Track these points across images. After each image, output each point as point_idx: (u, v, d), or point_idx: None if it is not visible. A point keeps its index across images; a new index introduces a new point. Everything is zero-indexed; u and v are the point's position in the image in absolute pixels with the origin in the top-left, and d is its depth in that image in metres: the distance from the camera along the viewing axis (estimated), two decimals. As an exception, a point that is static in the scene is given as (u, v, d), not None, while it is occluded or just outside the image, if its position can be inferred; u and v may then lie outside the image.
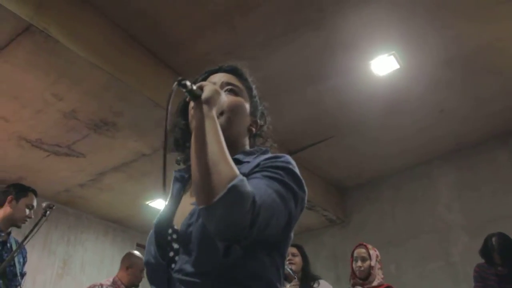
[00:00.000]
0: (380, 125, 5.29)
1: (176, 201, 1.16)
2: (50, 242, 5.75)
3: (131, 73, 3.89)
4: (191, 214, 1.02)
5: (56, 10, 3.36)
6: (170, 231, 1.08)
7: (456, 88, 4.80)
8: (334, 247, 6.68)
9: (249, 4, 3.73)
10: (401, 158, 6.05)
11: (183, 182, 1.21)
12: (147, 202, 5.97)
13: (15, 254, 3.00)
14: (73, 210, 6.16)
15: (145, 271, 3.91)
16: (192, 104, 1.11)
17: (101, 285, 3.73)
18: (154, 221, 1.14)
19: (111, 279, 3.94)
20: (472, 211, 5.56)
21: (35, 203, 3.18)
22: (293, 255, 3.67)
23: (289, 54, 4.24)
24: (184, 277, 0.98)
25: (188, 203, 1.08)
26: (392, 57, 4.38)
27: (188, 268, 0.98)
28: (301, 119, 5.18)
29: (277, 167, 1.04)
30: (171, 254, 1.05)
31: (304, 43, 4.13)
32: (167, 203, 1.10)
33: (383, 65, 4.47)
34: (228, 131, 1.10)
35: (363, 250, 3.37)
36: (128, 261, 4.06)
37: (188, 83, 0.99)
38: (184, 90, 0.99)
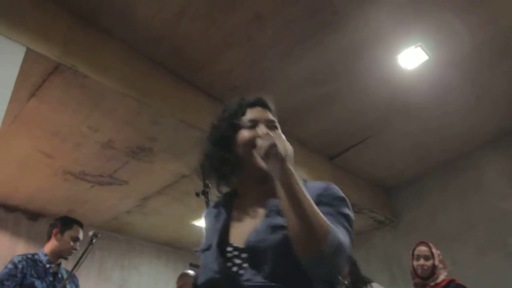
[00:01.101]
0: (416, 118, 5.18)
1: (224, 224, 1.29)
2: (105, 269, 5.93)
3: (159, 97, 3.99)
4: (257, 232, 1.18)
5: (81, 46, 3.53)
6: (230, 249, 1.22)
7: (490, 72, 4.64)
8: (386, 249, 6.53)
9: (264, 16, 3.77)
10: (443, 151, 5.89)
11: (227, 207, 1.35)
12: (193, 222, 6.05)
13: (67, 282, 3.12)
14: (123, 237, 6.34)
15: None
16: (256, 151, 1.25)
17: None
18: (208, 242, 1.29)
19: (167, 300, 4.03)
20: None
21: (80, 235, 3.26)
22: None
23: (312, 59, 4.25)
24: (255, 284, 1.12)
25: (243, 224, 1.27)
26: (419, 48, 4.29)
27: (258, 279, 1.12)
28: (337, 123, 5.15)
29: (339, 198, 1.25)
30: (235, 269, 1.18)
31: (326, 47, 4.13)
32: (218, 226, 1.29)
33: (411, 58, 4.38)
34: None
35: (426, 248, 3.28)
36: (181, 280, 4.16)
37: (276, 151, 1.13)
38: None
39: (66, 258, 3.24)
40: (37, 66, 3.33)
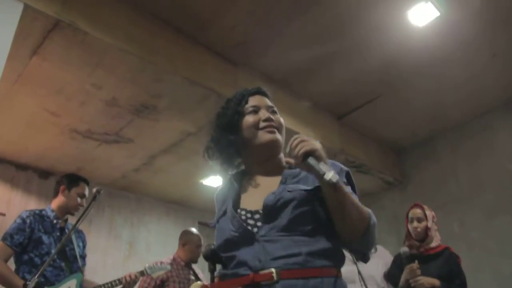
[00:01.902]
0: (428, 77, 5.03)
1: (236, 194, 1.49)
2: (115, 227, 6.06)
3: (162, 54, 3.94)
4: (275, 194, 1.36)
5: (81, 2, 3.47)
6: (243, 212, 1.40)
7: (507, 28, 4.43)
8: (395, 210, 6.51)
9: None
10: (456, 111, 5.74)
11: (238, 182, 1.54)
12: (201, 181, 6.09)
13: (72, 237, 3.19)
14: (133, 195, 6.43)
15: (201, 248, 4.05)
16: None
17: (162, 262, 3.89)
18: (223, 208, 1.48)
19: (171, 257, 4.11)
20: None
21: (86, 192, 3.33)
22: None
23: (320, 15, 4.11)
24: (269, 238, 1.29)
25: (254, 194, 1.45)
26: (429, 3, 4.12)
27: (273, 233, 1.30)
28: (345, 81, 5.04)
29: (346, 173, 1.47)
30: (249, 227, 1.35)
31: (333, 2, 3.99)
32: (229, 196, 1.49)
33: (422, 14, 4.21)
34: (282, 145, 1.52)
35: (419, 211, 3.27)
36: (184, 238, 4.21)
37: (312, 162, 1.26)
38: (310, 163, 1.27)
39: (72, 214, 3.31)
40: (36, 23, 3.30)
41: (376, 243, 3.58)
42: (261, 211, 1.36)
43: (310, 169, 1.26)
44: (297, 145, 1.29)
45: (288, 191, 1.35)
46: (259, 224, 1.34)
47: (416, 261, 3.05)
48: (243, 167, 1.60)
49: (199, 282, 4.01)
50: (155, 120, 4.66)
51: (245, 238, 1.33)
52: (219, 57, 4.43)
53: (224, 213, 1.45)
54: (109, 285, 3.26)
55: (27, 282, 2.64)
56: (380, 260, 3.51)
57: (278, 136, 1.50)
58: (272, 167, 1.51)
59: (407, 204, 6.16)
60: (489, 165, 5.66)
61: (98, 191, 3.02)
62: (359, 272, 2.99)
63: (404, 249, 3.11)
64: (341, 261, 1.38)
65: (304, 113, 5.13)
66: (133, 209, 6.37)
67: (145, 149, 5.25)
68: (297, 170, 1.45)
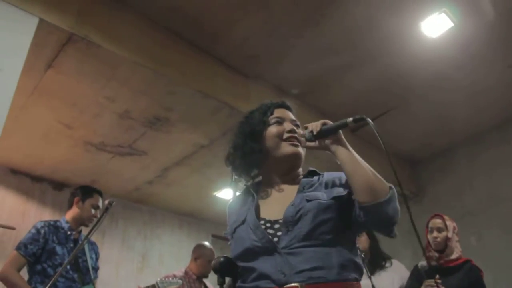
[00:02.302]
0: (442, 89, 4.98)
1: (256, 203, 1.48)
2: (128, 239, 6.07)
3: (175, 67, 3.97)
4: (295, 205, 1.38)
5: (94, 16, 3.53)
6: (262, 222, 1.40)
7: (524, 39, 4.39)
8: (410, 223, 6.42)
9: (281, -19, 3.67)
10: (472, 123, 5.68)
11: (254, 193, 1.52)
12: (214, 193, 6.09)
13: (85, 249, 3.21)
14: (146, 207, 6.45)
15: (213, 262, 4.04)
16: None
17: (174, 275, 3.88)
18: (240, 218, 1.47)
19: (183, 270, 4.10)
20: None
21: (100, 203, 3.35)
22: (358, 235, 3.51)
23: (332, 27, 4.12)
24: (291, 250, 1.29)
25: (271, 204, 1.46)
26: (443, 14, 4.09)
27: (295, 243, 1.30)
28: (358, 93, 5.02)
29: None
30: (269, 237, 1.34)
31: (345, 13, 3.99)
32: (248, 206, 1.49)
33: (435, 25, 4.19)
34: (302, 159, 1.56)
35: (439, 221, 3.16)
36: (197, 252, 4.20)
37: (328, 126, 1.43)
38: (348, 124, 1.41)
39: (86, 225, 3.33)
40: (51, 36, 3.35)
41: (391, 257, 3.52)
42: (281, 221, 1.37)
43: (329, 132, 1.41)
44: (311, 126, 1.44)
45: (307, 200, 1.38)
46: (279, 233, 1.35)
47: (437, 276, 2.89)
48: (260, 178, 1.61)
49: (210, 296, 4.03)
50: (167, 132, 4.68)
51: (267, 248, 1.33)
52: (231, 70, 4.45)
53: (243, 222, 1.45)
54: (119, 298, 3.27)
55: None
56: (395, 274, 3.43)
57: (300, 149, 1.53)
58: (291, 179, 1.54)
59: (423, 216, 6.09)
60: (506, 178, 5.56)
61: (110, 203, 3.04)
62: (373, 286, 2.93)
63: (423, 263, 3.05)
64: (361, 274, 1.38)
65: (317, 126, 5.09)
66: (146, 221, 6.38)
67: (158, 161, 5.28)
68: (314, 179, 1.50)
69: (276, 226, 1.37)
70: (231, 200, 1.64)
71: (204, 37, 4.15)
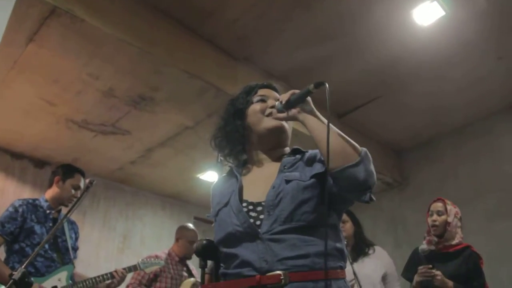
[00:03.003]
0: (432, 78, 4.94)
1: (240, 185, 1.46)
2: (109, 219, 6.01)
3: (161, 46, 3.88)
4: (275, 186, 1.35)
5: (80, -11, 3.41)
6: (244, 204, 1.37)
7: (512, 32, 4.36)
8: (393, 211, 6.48)
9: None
10: (458, 114, 5.67)
11: (238, 173, 1.51)
12: (198, 175, 6.04)
13: (63, 225, 3.15)
14: (129, 188, 6.38)
15: (195, 244, 4.03)
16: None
17: (156, 256, 3.87)
18: (224, 199, 1.44)
19: (166, 251, 4.09)
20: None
21: (81, 183, 3.26)
22: (343, 221, 3.41)
23: (322, 11, 4.03)
24: (272, 236, 1.27)
25: (255, 184, 1.44)
26: (435, 3, 4.03)
27: (277, 227, 1.27)
28: (347, 80, 4.95)
29: None
30: (251, 221, 1.32)
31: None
32: (232, 188, 1.46)
33: (427, 13, 4.12)
34: (287, 135, 1.56)
35: (440, 204, 3.11)
36: (179, 233, 4.20)
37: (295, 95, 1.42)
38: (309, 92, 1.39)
39: (66, 205, 3.26)
40: (32, 9, 3.24)
41: (373, 243, 3.52)
42: (263, 203, 1.35)
43: (297, 101, 1.40)
44: (282, 97, 1.45)
45: (286, 181, 1.36)
46: (261, 216, 1.32)
47: (430, 265, 2.90)
48: (245, 157, 1.59)
49: (192, 279, 4.02)
50: (152, 112, 4.60)
51: (249, 234, 1.31)
52: (219, 51, 4.36)
53: (226, 204, 1.43)
54: (100, 278, 3.22)
55: (13, 272, 2.60)
56: (379, 261, 3.42)
57: (284, 123, 1.51)
58: (276, 157, 1.51)
59: (406, 205, 6.23)
60: (490, 169, 5.60)
61: (91, 182, 2.96)
62: (354, 273, 2.92)
63: (423, 247, 2.99)
64: (345, 260, 1.37)
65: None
66: (129, 202, 6.32)
67: (142, 141, 5.20)
68: (297, 157, 1.47)
69: (259, 208, 1.35)
70: (216, 181, 1.62)
71: (193, 17, 4.04)
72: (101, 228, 5.84)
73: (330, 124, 1.32)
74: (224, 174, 1.61)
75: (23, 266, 2.57)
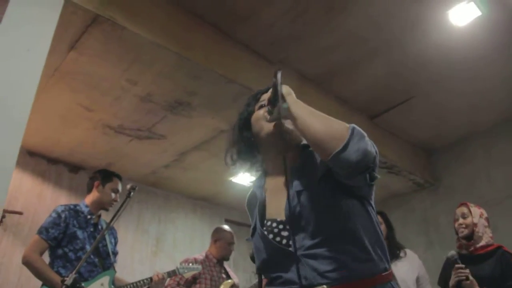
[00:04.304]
0: (465, 79, 4.91)
1: (261, 204, 1.42)
2: (142, 222, 6.06)
3: (199, 51, 3.90)
4: (290, 200, 1.28)
5: (121, -3, 3.45)
6: (274, 224, 1.33)
7: (549, 30, 4.29)
8: (424, 212, 6.41)
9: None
10: (491, 114, 5.62)
11: (260, 187, 1.47)
12: (230, 178, 6.05)
13: (105, 234, 3.18)
14: (161, 191, 6.43)
15: (233, 245, 4.03)
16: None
17: (195, 259, 3.90)
18: (253, 223, 1.42)
19: (204, 254, 4.10)
20: None
21: (120, 187, 3.35)
22: None
23: (357, 13, 4.03)
24: (307, 252, 1.21)
25: (278, 197, 1.37)
26: (472, 3, 4.00)
27: (307, 242, 1.22)
28: (380, 81, 4.95)
29: None
30: (284, 241, 1.28)
31: (371, 0, 3.89)
32: (256, 209, 1.41)
33: (463, 13, 4.09)
34: (292, 136, 1.45)
35: (464, 208, 3.10)
36: (216, 235, 4.20)
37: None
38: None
39: (106, 209, 3.33)
40: (75, 17, 3.28)
41: (404, 246, 3.48)
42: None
43: (275, 98, 1.31)
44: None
45: (297, 192, 1.29)
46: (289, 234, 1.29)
47: (463, 266, 2.82)
48: (264, 166, 1.55)
49: (230, 280, 4.03)
50: (188, 116, 4.62)
51: (282, 256, 1.28)
52: (255, 55, 4.37)
53: (254, 229, 1.40)
54: (140, 283, 3.26)
55: (65, 278, 2.64)
56: (410, 264, 3.40)
57: (286, 125, 1.41)
58: (291, 161, 1.41)
59: (437, 206, 6.16)
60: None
61: (133, 188, 3.00)
62: (393, 275, 2.89)
63: (452, 252, 2.93)
64: (388, 259, 1.29)
65: (336, 112, 5.04)
66: (161, 205, 6.37)
67: (176, 145, 5.22)
68: (306, 159, 1.40)
69: (288, 226, 1.31)
70: (247, 196, 1.56)
71: (229, 21, 4.06)
72: (134, 231, 5.89)
73: (313, 110, 1.26)
74: (252, 186, 1.56)
75: (74, 272, 2.62)
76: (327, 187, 1.27)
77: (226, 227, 4.33)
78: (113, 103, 4.38)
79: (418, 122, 5.78)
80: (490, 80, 4.94)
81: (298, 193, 1.29)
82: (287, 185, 1.31)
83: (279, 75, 1.29)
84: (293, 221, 1.27)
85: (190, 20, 3.91)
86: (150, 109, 4.47)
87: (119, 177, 3.40)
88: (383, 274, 1.23)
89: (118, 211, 2.87)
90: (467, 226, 3.00)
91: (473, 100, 5.30)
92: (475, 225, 2.99)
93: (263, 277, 1.46)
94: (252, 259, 1.48)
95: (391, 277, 1.26)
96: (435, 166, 6.55)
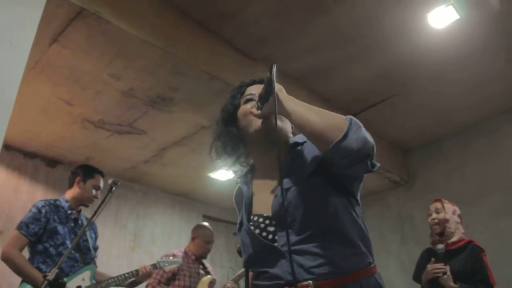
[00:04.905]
0: (443, 80, 5.02)
1: (248, 199, 1.42)
2: (120, 218, 6.01)
3: (184, 47, 3.89)
4: (277, 195, 1.31)
5: (105, -9, 3.41)
6: (261, 219, 1.34)
7: (523, 35, 4.44)
8: (400, 209, 6.54)
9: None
10: (467, 114, 5.75)
11: (247, 182, 1.48)
12: (209, 174, 6.06)
13: (86, 229, 3.15)
14: (140, 186, 6.39)
15: (211, 244, 4.03)
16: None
17: (174, 254, 3.89)
18: (239, 217, 1.43)
19: (182, 249, 4.11)
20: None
21: (101, 184, 3.33)
22: None
23: (341, 13, 4.06)
24: (293, 247, 1.22)
25: (264, 192, 1.39)
26: (450, 7, 4.09)
27: (294, 238, 1.23)
28: (357, 81, 5.02)
29: None
30: (270, 236, 1.30)
31: (354, 1, 3.95)
32: (243, 204, 1.42)
33: (442, 16, 4.18)
34: (281, 131, 1.45)
35: (438, 203, 3.22)
36: (195, 232, 4.22)
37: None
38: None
39: (86, 206, 3.30)
40: (60, 10, 3.22)
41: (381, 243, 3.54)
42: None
43: (267, 93, 1.31)
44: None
45: (286, 189, 1.30)
46: (278, 230, 1.30)
47: (433, 259, 3.00)
48: (251, 161, 1.55)
49: (209, 276, 4.05)
50: (170, 112, 4.61)
51: (268, 251, 1.29)
52: (239, 52, 4.38)
53: (241, 225, 1.41)
54: (122, 277, 3.25)
55: (47, 273, 2.62)
56: None
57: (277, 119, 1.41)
58: (274, 158, 1.38)
59: (412, 203, 6.30)
60: (496, 168, 5.67)
61: (114, 183, 2.97)
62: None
63: (440, 246, 3.02)
64: (370, 250, 1.31)
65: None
66: (139, 200, 6.33)
67: (157, 141, 5.21)
68: (295, 154, 1.41)
69: (274, 222, 1.32)
70: (235, 191, 1.57)
71: (214, 19, 4.06)
72: (112, 226, 5.84)
73: (308, 104, 1.28)
74: (239, 181, 1.55)
75: (56, 267, 2.61)
76: (316, 184, 1.29)
77: (206, 224, 4.34)
78: (94, 98, 4.33)
79: (396, 121, 5.88)
80: (467, 81, 5.06)
81: (286, 190, 1.30)
82: (278, 181, 1.33)
83: (274, 68, 1.28)
84: (279, 218, 1.29)
85: (175, 17, 3.89)
86: (131, 104, 4.44)
87: (101, 174, 3.38)
88: (368, 268, 1.26)
89: (99, 206, 2.86)
90: (439, 221, 3.12)
91: (450, 101, 5.42)
92: (446, 221, 3.10)
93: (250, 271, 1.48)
94: (239, 253, 1.50)
95: (375, 270, 1.29)
96: (411, 164, 6.68)
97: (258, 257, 1.32)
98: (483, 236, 5.41)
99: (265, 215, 1.34)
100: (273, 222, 1.31)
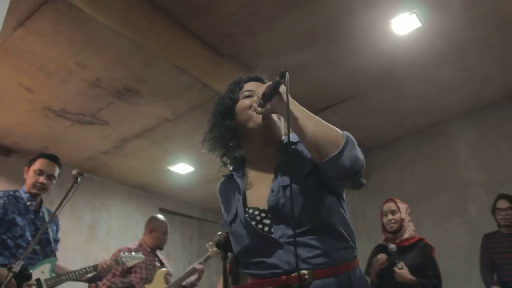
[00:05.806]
0: (401, 84, 5.21)
1: (242, 192, 1.44)
2: (77, 209, 5.88)
3: (155, 39, 3.86)
4: (273, 191, 1.36)
5: (79, -21, 3.33)
6: (256, 212, 1.38)
7: (478, 47, 4.68)
8: (353, 206, 6.73)
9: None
10: (422, 117, 6.00)
11: (240, 176, 1.49)
12: (168, 167, 6.03)
13: (48, 224, 3.04)
14: (97, 178, 6.27)
15: (167, 235, 4.01)
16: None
17: (128, 248, 3.84)
18: (231, 214, 1.45)
19: (137, 243, 4.06)
20: (490, 169, 5.56)
21: (45, 168, 3.10)
22: None
23: (311, 15, 4.12)
24: (289, 239, 1.29)
25: (258, 187, 1.43)
26: (414, 15, 4.25)
27: (289, 231, 1.30)
28: (321, 80, 5.10)
29: None
30: (266, 229, 1.35)
31: (326, 4, 4.04)
32: (237, 196, 1.45)
33: (404, 23, 4.34)
34: (279, 128, 1.51)
35: (392, 204, 3.40)
36: (151, 225, 4.17)
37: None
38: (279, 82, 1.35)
39: (37, 194, 3.11)
40: (29, -6, 3.14)
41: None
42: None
43: (271, 93, 1.36)
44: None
45: (283, 186, 1.36)
46: (274, 223, 1.35)
47: (383, 255, 3.19)
48: (242, 155, 1.58)
49: (164, 268, 4.05)
50: (135, 104, 4.56)
51: (265, 243, 1.34)
52: (208, 47, 4.37)
53: (235, 216, 1.43)
54: (83, 271, 3.19)
55: (12, 265, 2.55)
56: None
57: (274, 117, 1.48)
58: (271, 153, 1.48)
59: (366, 201, 6.48)
60: (445, 169, 5.96)
61: (79, 173, 2.93)
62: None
63: (391, 245, 3.21)
64: (355, 243, 1.41)
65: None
66: (96, 192, 6.20)
67: (119, 132, 5.14)
68: (290, 152, 1.44)
69: (270, 215, 1.37)
70: (220, 183, 1.60)
71: (187, 13, 4.01)
72: (68, 218, 5.68)
73: (308, 112, 1.35)
74: (225, 177, 1.59)
75: (21, 259, 2.55)
76: (312, 183, 1.36)
77: (160, 216, 4.30)
78: (58, 86, 4.22)
79: (353, 122, 5.99)
80: (424, 87, 5.28)
81: (284, 187, 1.35)
82: (274, 176, 1.40)
83: (287, 76, 1.33)
84: (275, 212, 1.35)
85: (148, 10, 3.83)
86: (97, 94, 4.36)
87: (47, 157, 3.14)
88: (354, 260, 1.37)
89: (64, 198, 2.80)
90: (396, 222, 3.31)
91: (405, 105, 5.63)
92: (403, 220, 3.32)
93: (227, 262, 1.51)
94: (219, 246, 1.52)
95: (358, 263, 1.40)
96: (366, 164, 6.86)
97: (255, 247, 1.36)
98: (432, 234, 5.70)
99: (261, 208, 1.39)
100: (269, 216, 1.37)
